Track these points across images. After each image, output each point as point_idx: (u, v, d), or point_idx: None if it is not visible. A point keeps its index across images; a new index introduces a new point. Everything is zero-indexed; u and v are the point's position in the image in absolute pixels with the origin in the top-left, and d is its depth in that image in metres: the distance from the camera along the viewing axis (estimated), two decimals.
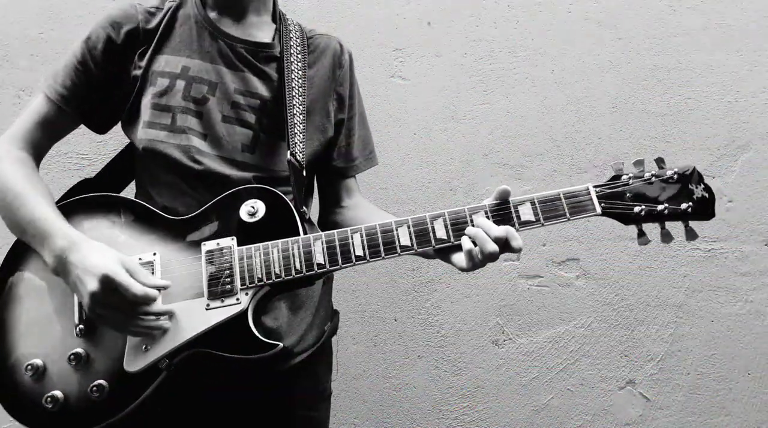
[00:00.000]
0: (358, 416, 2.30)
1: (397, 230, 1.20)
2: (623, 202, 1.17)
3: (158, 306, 1.16)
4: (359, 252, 1.20)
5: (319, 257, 1.20)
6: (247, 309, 1.19)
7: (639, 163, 1.19)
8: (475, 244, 1.15)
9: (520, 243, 1.15)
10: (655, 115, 2.30)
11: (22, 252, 1.28)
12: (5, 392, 1.21)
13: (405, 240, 1.19)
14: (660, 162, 1.19)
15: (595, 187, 1.18)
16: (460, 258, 1.19)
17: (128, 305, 1.13)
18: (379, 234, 1.20)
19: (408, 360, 2.30)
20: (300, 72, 1.38)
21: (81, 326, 1.21)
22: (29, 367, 1.19)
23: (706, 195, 1.18)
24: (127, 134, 1.38)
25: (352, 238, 1.21)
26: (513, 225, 1.17)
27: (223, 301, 1.19)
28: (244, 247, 1.22)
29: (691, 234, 1.19)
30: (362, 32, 2.28)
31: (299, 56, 1.40)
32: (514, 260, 2.29)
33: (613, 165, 1.20)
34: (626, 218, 1.19)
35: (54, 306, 1.23)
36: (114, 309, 1.14)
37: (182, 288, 1.20)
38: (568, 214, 1.17)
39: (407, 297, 2.29)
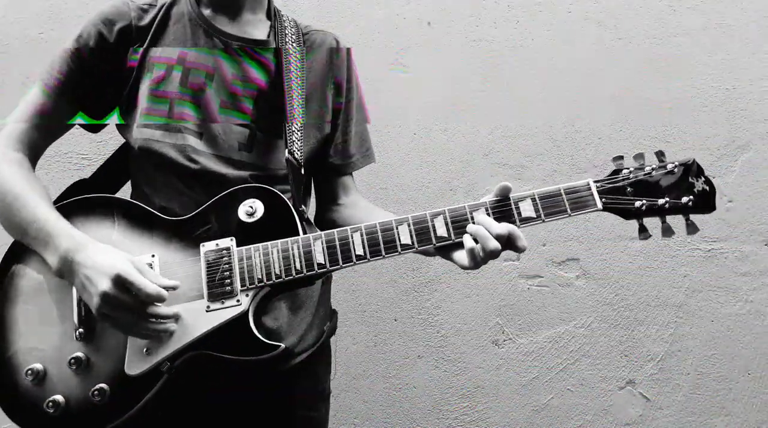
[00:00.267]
0: (358, 416, 2.30)
1: (397, 228, 1.19)
2: (624, 197, 1.17)
3: (165, 308, 1.15)
4: (360, 251, 1.19)
5: (319, 257, 1.19)
6: (247, 310, 1.18)
7: (639, 157, 1.19)
8: (476, 242, 1.15)
9: (525, 243, 1.15)
10: (655, 115, 2.30)
11: (18, 255, 1.27)
12: (6, 397, 1.21)
13: (405, 239, 1.19)
14: (660, 155, 1.18)
15: (596, 181, 1.18)
16: (461, 256, 1.19)
17: (139, 305, 1.12)
18: (380, 233, 1.19)
19: (408, 360, 2.30)
20: (297, 68, 1.37)
21: (80, 330, 1.20)
22: (29, 372, 1.19)
23: (707, 188, 1.17)
24: (122, 133, 1.36)
25: (352, 237, 1.20)
26: (514, 222, 1.16)
27: (223, 303, 1.19)
28: (243, 248, 1.21)
29: (692, 228, 1.18)
30: (362, 32, 2.28)
31: (296, 54, 1.38)
32: (513, 260, 2.29)
33: (614, 159, 1.20)
34: (627, 213, 1.18)
35: (52, 310, 1.22)
36: (123, 310, 1.13)
37: (182, 291, 1.19)
38: (569, 210, 1.17)
39: (407, 297, 2.29)
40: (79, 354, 1.19)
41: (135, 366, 1.17)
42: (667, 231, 1.18)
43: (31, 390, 1.19)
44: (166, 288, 1.15)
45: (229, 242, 1.22)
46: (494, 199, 1.19)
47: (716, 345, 2.32)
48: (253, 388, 1.27)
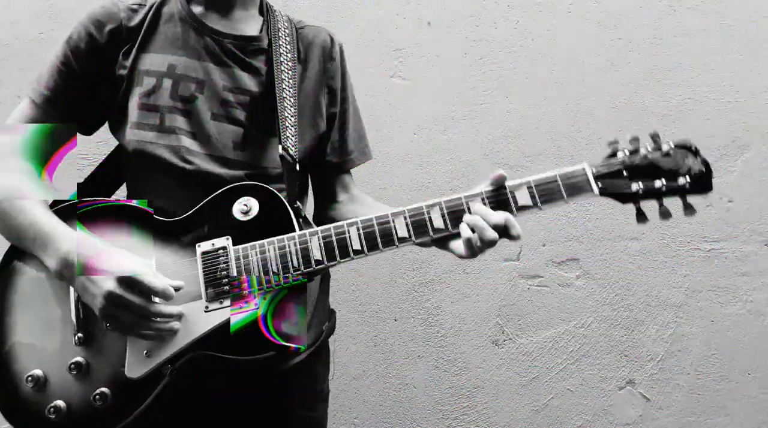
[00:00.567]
0: (358, 416, 2.30)
1: (394, 221, 1.18)
2: (620, 181, 1.15)
3: (169, 308, 1.15)
4: (357, 246, 1.18)
5: (316, 253, 1.19)
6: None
7: (634, 140, 1.17)
8: (473, 231, 1.14)
9: (519, 230, 1.14)
10: (655, 115, 2.30)
11: (13, 262, 1.27)
12: (8, 404, 1.20)
13: (402, 232, 1.18)
14: (655, 137, 1.17)
15: (592, 166, 1.17)
16: (458, 245, 1.17)
17: (143, 304, 1.12)
18: (376, 227, 1.18)
19: (408, 360, 2.30)
20: (290, 64, 1.35)
21: (79, 334, 1.20)
22: (30, 378, 1.18)
23: (703, 168, 1.16)
24: (115, 136, 1.35)
25: (348, 232, 1.19)
26: (511, 211, 1.15)
27: (221, 303, 1.18)
28: (239, 247, 1.20)
29: (689, 210, 1.15)
30: (362, 32, 2.28)
31: (288, 48, 1.37)
32: (514, 260, 2.29)
33: (609, 143, 1.18)
34: (624, 197, 1.16)
35: (50, 316, 1.22)
36: (127, 310, 1.13)
37: (180, 292, 1.19)
38: (565, 196, 1.15)
39: (407, 297, 2.29)
40: (79, 359, 1.19)
41: (135, 369, 1.16)
42: (665, 214, 1.15)
43: (33, 397, 1.19)
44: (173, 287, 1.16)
45: (225, 241, 1.21)
46: (490, 188, 1.17)
47: (716, 345, 2.32)
48: (252, 389, 1.27)
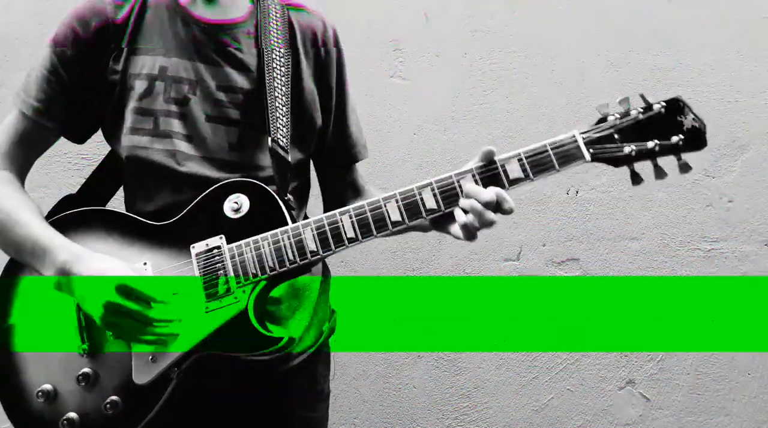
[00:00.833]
0: (358, 416, 2.30)
1: (385, 205, 1.16)
2: (612, 145, 1.12)
3: (168, 312, 1.14)
4: (350, 233, 1.17)
5: (311, 244, 1.17)
6: (246, 306, 1.17)
7: (624, 101, 1.14)
8: (466, 212, 1.12)
9: (511, 204, 1.11)
10: (651, 100, 2.30)
11: (13, 275, 1.26)
12: (21, 419, 1.21)
13: (395, 216, 1.15)
14: (644, 97, 1.14)
15: (582, 133, 1.14)
16: (456, 229, 1.15)
17: (144, 309, 1.12)
18: (368, 213, 1.16)
19: (408, 360, 2.30)
20: (281, 51, 1.32)
21: (84, 346, 1.20)
22: (40, 394, 1.19)
23: (696, 124, 1.13)
24: (109, 143, 1.33)
25: (341, 221, 1.17)
26: (502, 185, 1.13)
27: (221, 302, 1.18)
28: (234, 244, 1.20)
29: (684, 168, 1.12)
30: (361, 31, 2.27)
31: (278, 35, 1.33)
32: (514, 260, 2.29)
33: (598, 107, 1.15)
34: (616, 161, 1.13)
35: (54, 328, 1.22)
36: (127, 317, 1.12)
37: (179, 295, 1.18)
38: (557, 166, 1.12)
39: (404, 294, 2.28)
40: (87, 369, 1.19)
41: (143, 375, 1.16)
42: (660, 174, 1.13)
43: (45, 411, 1.19)
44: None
45: (218, 240, 1.20)
46: (480, 163, 1.15)
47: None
48: (253, 389, 1.27)
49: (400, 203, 1.16)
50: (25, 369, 1.22)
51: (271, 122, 1.28)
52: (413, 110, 2.29)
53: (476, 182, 1.13)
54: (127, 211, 1.34)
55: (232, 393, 1.28)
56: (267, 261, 1.18)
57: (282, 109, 1.30)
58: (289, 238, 1.18)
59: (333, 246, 1.18)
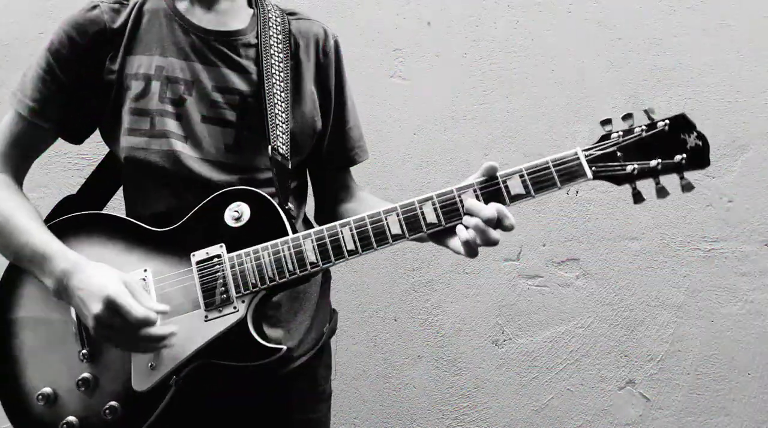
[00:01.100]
0: (358, 416, 2.30)
1: (386, 218, 1.15)
2: (615, 163, 1.12)
3: (159, 329, 1.14)
4: (351, 246, 1.16)
5: (310, 255, 1.17)
6: (245, 316, 1.17)
7: (628, 117, 1.14)
8: (466, 228, 1.11)
9: (512, 221, 1.11)
10: (655, 116, 2.30)
11: (15, 279, 1.26)
12: (21, 422, 1.21)
13: (396, 229, 1.15)
14: (650, 112, 1.13)
15: (584, 150, 1.13)
16: (456, 244, 1.15)
17: (131, 327, 1.11)
18: (369, 226, 1.16)
19: (408, 360, 2.30)
20: (281, 58, 1.32)
21: (84, 351, 1.20)
22: (40, 397, 1.19)
23: (700, 143, 1.12)
24: (108, 144, 1.33)
25: (342, 233, 1.17)
26: (503, 201, 1.13)
27: (220, 311, 1.18)
28: (234, 254, 1.19)
29: (686, 187, 1.12)
30: (362, 32, 2.28)
31: (279, 41, 1.32)
32: (514, 260, 2.29)
33: (602, 122, 1.15)
34: (618, 179, 1.13)
35: (54, 333, 1.22)
36: (118, 331, 1.12)
37: (179, 303, 1.19)
38: (558, 183, 1.12)
39: (407, 297, 2.29)
40: (87, 374, 1.19)
41: (142, 382, 1.17)
42: (662, 192, 1.12)
43: (45, 414, 1.20)
44: (158, 312, 1.14)
45: (219, 249, 1.20)
46: (482, 178, 1.15)
47: (716, 345, 2.32)
48: (253, 392, 1.27)
49: (401, 216, 1.16)
50: (26, 371, 1.22)
51: (270, 130, 1.27)
52: (413, 110, 2.29)
53: (477, 197, 1.13)
54: (126, 212, 1.34)
55: (231, 398, 1.28)
56: (267, 271, 1.18)
57: (281, 116, 1.29)
58: (289, 249, 1.18)
59: (333, 258, 1.17)
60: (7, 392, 1.23)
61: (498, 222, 1.11)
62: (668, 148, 1.12)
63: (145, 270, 1.21)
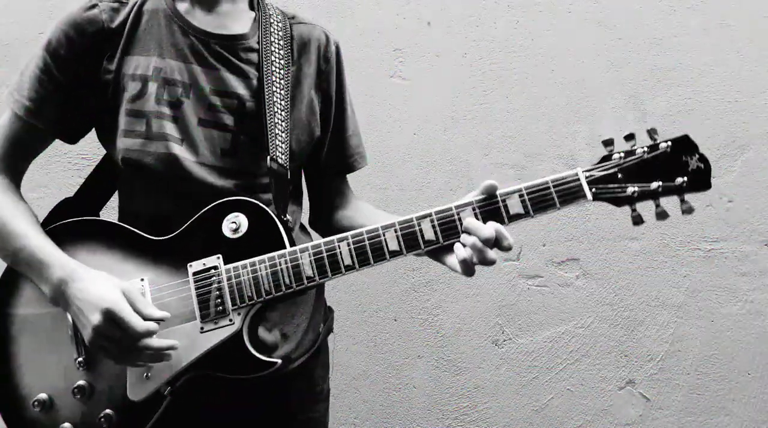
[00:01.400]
0: (358, 416, 2.30)
1: (384, 235, 1.16)
2: (615, 185, 1.11)
3: (160, 341, 1.13)
4: (348, 261, 1.17)
5: (307, 270, 1.17)
6: (241, 328, 1.17)
7: (630, 137, 1.13)
8: (464, 246, 1.12)
9: (511, 241, 1.11)
10: (655, 115, 2.30)
11: (12, 284, 1.25)
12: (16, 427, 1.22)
13: (393, 245, 1.16)
14: (652, 133, 1.13)
15: (585, 171, 1.12)
16: (453, 262, 1.15)
17: (130, 338, 1.11)
18: (367, 241, 1.17)
19: (408, 360, 2.30)
20: (281, 62, 1.30)
21: (80, 359, 1.20)
22: (36, 403, 1.19)
23: (702, 165, 1.11)
24: (104, 145, 1.31)
25: (339, 248, 1.17)
26: (502, 221, 1.12)
27: (216, 323, 1.17)
28: (231, 266, 1.19)
29: (687, 211, 1.11)
30: (362, 32, 2.28)
31: (281, 48, 1.31)
32: (514, 260, 2.29)
33: (604, 142, 1.14)
34: (618, 201, 1.13)
35: (51, 340, 1.21)
36: (116, 342, 1.12)
37: (174, 313, 1.18)
38: (558, 204, 1.12)
39: (407, 297, 2.29)
40: (82, 382, 1.19)
41: (137, 391, 1.17)
42: (662, 215, 1.12)
43: (40, 420, 1.20)
44: (158, 321, 1.14)
45: (216, 260, 1.19)
46: (481, 197, 1.14)
47: (716, 345, 2.32)
48: (249, 395, 1.27)
49: (399, 233, 1.16)
50: (22, 376, 1.22)
51: (269, 139, 1.27)
52: (413, 110, 2.29)
53: (476, 216, 1.13)
54: (119, 214, 1.33)
55: (228, 401, 1.28)
56: (263, 284, 1.17)
57: (281, 124, 1.28)
58: (286, 262, 1.18)
59: (330, 273, 1.17)
60: (2, 396, 1.23)
61: (496, 242, 1.11)
62: (669, 170, 1.11)
63: (142, 280, 1.20)
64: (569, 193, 1.12)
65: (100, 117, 1.27)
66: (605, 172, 1.13)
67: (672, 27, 2.32)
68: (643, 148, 1.12)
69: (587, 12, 2.32)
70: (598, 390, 2.33)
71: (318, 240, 1.22)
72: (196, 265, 1.20)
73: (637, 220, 1.13)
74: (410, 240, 1.16)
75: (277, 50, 1.31)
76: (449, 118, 2.30)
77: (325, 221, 1.49)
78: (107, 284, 1.13)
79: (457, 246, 1.13)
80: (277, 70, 1.30)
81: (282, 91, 1.29)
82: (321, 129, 1.38)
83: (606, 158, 1.14)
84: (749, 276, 2.31)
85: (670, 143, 1.12)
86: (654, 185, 1.11)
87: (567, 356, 2.32)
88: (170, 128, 1.23)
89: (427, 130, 2.30)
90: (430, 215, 1.15)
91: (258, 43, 1.31)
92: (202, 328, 1.18)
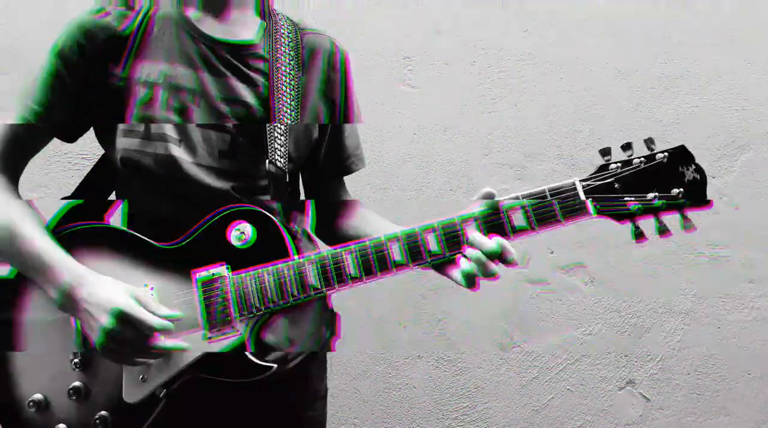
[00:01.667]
0: (358, 416, 2.30)
1: (389, 246, 1.17)
2: (616, 202, 1.13)
3: (171, 342, 1.13)
4: (353, 272, 1.17)
5: (313, 280, 1.17)
6: (245, 338, 1.18)
7: (627, 147, 1.13)
8: (468, 260, 1.12)
9: (514, 255, 1.13)
10: (663, 123, 2.30)
11: (10, 285, 1.25)
12: (11, 426, 1.22)
13: (398, 257, 1.16)
14: (649, 142, 1.14)
15: (582, 180, 1.14)
16: (458, 276, 1.16)
17: (142, 340, 1.11)
18: (373, 253, 1.17)
19: (408, 360, 2.30)
20: (289, 70, 1.31)
21: (76, 360, 1.20)
22: (31, 403, 1.19)
23: (698, 176, 1.12)
24: (104, 147, 1.32)
25: (345, 259, 1.17)
26: (506, 234, 1.14)
27: (221, 331, 1.18)
28: (236, 275, 1.19)
29: (688, 227, 1.12)
30: (371, 41, 2.25)
31: (288, 56, 1.32)
32: (521, 266, 2.29)
33: (601, 151, 1.15)
34: (620, 217, 1.14)
35: (47, 340, 1.21)
36: (128, 343, 1.12)
37: (179, 322, 1.17)
38: (561, 219, 1.13)
39: (414, 303, 2.28)
40: (78, 383, 1.19)
41: (133, 394, 1.17)
42: (663, 232, 1.13)
43: (36, 421, 1.20)
44: (172, 320, 1.14)
45: (221, 269, 1.20)
46: (484, 209, 1.15)
47: (722, 351, 2.33)
48: (246, 396, 1.26)
49: (404, 244, 1.16)
50: (19, 376, 1.22)
51: (269, 142, 1.27)
52: (421, 118, 2.27)
53: (479, 229, 1.14)
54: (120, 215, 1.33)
55: (224, 401, 1.28)
56: (269, 294, 1.18)
57: (280, 128, 1.29)
58: (292, 273, 1.18)
59: (335, 284, 1.17)
60: None
61: (500, 256, 1.12)
62: (665, 181, 1.12)
63: (147, 286, 1.20)
64: (569, 205, 1.13)
65: (103, 119, 1.27)
66: (602, 182, 1.14)
67: (679, 35, 2.32)
68: (640, 158, 1.13)
69: (595, 20, 2.31)
70: (598, 390, 2.33)
71: (323, 249, 1.22)
72: (201, 274, 1.20)
73: (640, 236, 1.14)
74: (415, 253, 1.17)
75: (285, 58, 1.31)
76: (449, 118, 2.29)
77: (328, 228, 1.49)
78: (116, 288, 1.13)
79: (461, 259, 1.14)
80: (285, 79, 1.30)
81: (290, 100, 1.30)
82: (320, 132, 1.38)
83: (603, 168, 1.15)
84: (755, 282, 2.31)
85: (666, 154, 1.13)
86: (650, 196, 1.12)
87: (567, 356, 2.32)
88: (169, 129, 1.23)
89: (427, 130, 2.30)
90: (434, 227, 1.16)
91: (266, 51, 1.31)
92: (207, 337, 1.18)
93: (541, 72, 2.30)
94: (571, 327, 2.30)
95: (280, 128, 1.29)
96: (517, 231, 1.15)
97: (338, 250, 1.19)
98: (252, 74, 1.29)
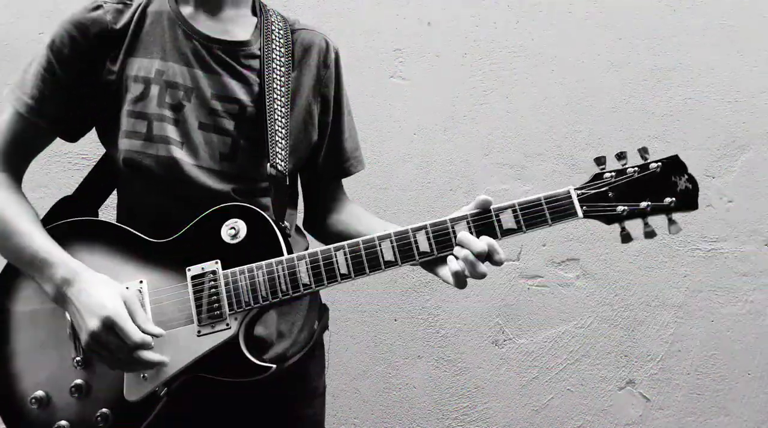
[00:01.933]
0: (358, 416, 2.30)
1: (380, 245, 1.18)
2: (605, 204, 1.16)
3: (153, 355, 1.15)
4: (344, 270, 1.19)
5: (304, 277, 1.19)
6: (237, 333, 1.19)
7: (622, 156, 1.16)
8: (456, 258, 1.14)
9: (502, 256, 1.15)
10: (656, 116, 2.30)
11: (11, 281, 1.26)
12: (14, 426, 1.22)
13: (389, 256, 1.18)
14: (644, 152, 1.16)
15: (577, 189, 1.16)
16: (446, 274, 1.18)
17: (126, 348, 1.12)
18: (363, 251, 1.19)
19: (408, 360, 2.31)
20: (283, 70, 1.32)
21: (78, 358, 1.21)
22: (34, 400, 1.20)
23: (690, 186, 1.15)
24: (105, 146, 1.32)
25: (336, 257, 1.19)
26: (495, 235, 1.16)
27: (213, 327, 1.19)
28: (229, 271, 1.20)
29: (674, 228, 1.15)
30: (362, 33, 2.28)
31: (282, 55, 1.33)
32: (514, 260, 2.29)
33: (596, 160, 1.18)
34: (608, 219, 1.17)
35: (49, 337, 1.22)
36: (111, 350, 1.13)
37: (172, 316, 1.19)
38: (549, 220, 1.16)
39: (407, 297, 2.29)
40: (80, 381, 1.20)
41: (134, 392, 1.18)
42: (650, 234, 1.16)
43: (38, 417, 1.21)
44: (154, 336, 1.15)
45: (214, 265, 1.21)
46: (475, 211, 1.17)
47: (716, 345, 2.32)
48: (245, 394, 1.27)
49: (395, 243, 1.18)
50: (21, 373, 1.23)
51: (270, 146, 1.28)
52: (413, 110, 2.29)
53: (470, 229, 1.16)
54: (117, 214, 1.34)
55: (224, 400, 1.29)
56: (260, 290, 1.19)
57: (281, 132, 1.30)
58: (283, 270, 1.19)
59: (326, 281, 1.19)
60: (1, 393, 1.24)
61: (488, 256, 1.14)
62: (658, 190, 1.15)
63: (141, 282, 1.21)
64: (560, 210, 1.16)
65: (101, 117, 1.28)
66: (597, 191, 1.16)
67: (672, 27, 2.32)
68: (633, 167, 1.16)
69: (587, 12, 2.32)
70: (598, 390, 2.33)
71: (314, 246, 1.24)
72: (194, 269, 1.21)
73: (626, 239, 1.17)
74: (405, 251, 1.19)
75: (278, 57, 1.32)
76: (449, 118, 2.30)
77: (320, 224, 1.50)
78: (108, 290, 1.14)
79: (450, 258, 1.16)
80: (278, 77, 1.31)
81: (282, 98, 1.31)
82: (318, 134, 1.39)
83: (597, 177, 1.17)
84: (749, 276, 2.31)
85: (660, 164, 1.16)
86: (643, 204, 1.15)
87: (567, 356, 2.32)
88: (171, 131, 1.24)
89: (427, 130, 2.30)
90: (425, 227, 1.18)
91: (260, 49, 1.32)
92: (199, 331, 1.19)
93: (533, 64, 2.31)
94: (563, 321, 2.31)
95: (281, 132, 1.30)
96: (506, 232, 1.17)
97: (329, 248, 1.20)
98: (245, 72, 1.30)
